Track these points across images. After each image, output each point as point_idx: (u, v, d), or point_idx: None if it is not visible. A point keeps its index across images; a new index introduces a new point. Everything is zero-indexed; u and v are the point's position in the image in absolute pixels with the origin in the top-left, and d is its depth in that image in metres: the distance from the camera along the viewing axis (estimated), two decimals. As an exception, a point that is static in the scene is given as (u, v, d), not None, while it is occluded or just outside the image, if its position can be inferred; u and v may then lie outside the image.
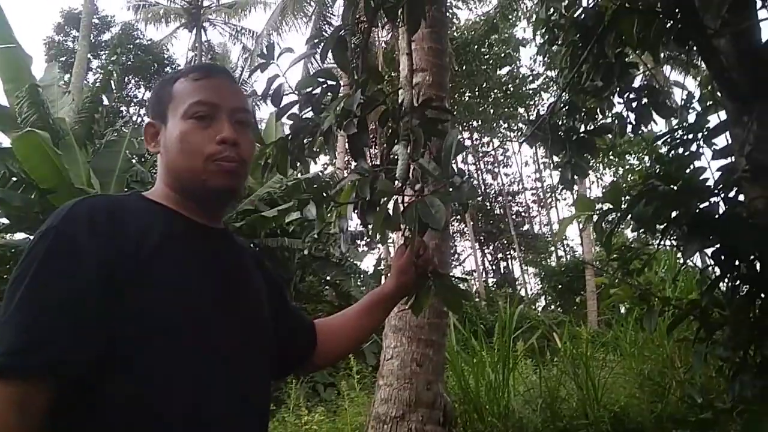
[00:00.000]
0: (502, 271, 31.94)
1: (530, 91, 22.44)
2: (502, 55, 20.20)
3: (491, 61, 20.18)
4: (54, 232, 0.93)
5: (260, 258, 1.27)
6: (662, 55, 2.26)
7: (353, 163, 1.37)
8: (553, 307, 20.50)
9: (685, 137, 2.41)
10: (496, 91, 22.05)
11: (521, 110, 23.56)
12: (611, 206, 1.84)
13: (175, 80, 1.12)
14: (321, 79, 1.48)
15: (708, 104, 2.43)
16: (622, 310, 7.36)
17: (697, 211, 1.68)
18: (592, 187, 19.58)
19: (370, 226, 1.27)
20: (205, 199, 1.10)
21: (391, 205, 1.16)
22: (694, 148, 2.39)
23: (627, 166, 21.43)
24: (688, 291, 5.27)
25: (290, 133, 1.53)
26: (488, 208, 31.78)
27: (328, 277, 10.86)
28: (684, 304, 2.19)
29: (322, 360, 1.35)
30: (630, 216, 1.83)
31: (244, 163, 1.09)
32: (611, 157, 18.60)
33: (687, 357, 4.89)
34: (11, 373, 0.83)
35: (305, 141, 1.54)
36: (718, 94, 2.10)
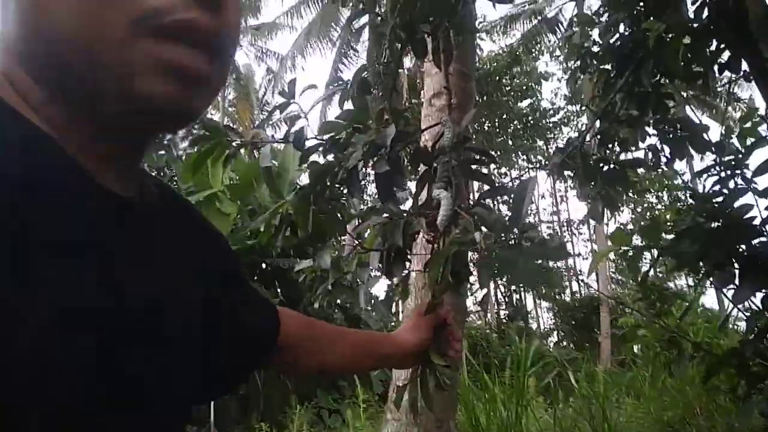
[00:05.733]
0: (514, 304, 31.52)
1: (551, 124, 22.41)
2: (524, 87, 20.20)
3: (512, 93, 20.16)
4: None
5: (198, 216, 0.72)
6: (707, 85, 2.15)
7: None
8: (565, 342, 20.09)
9: (723, 173, 2.28)
10: (515, 122, 22.00)
11: (540, 143, 23.49)
12: (649, 242, 1.71)
13: None
14: (344, 122, 1.34)
15: (750, 141, 2.31)
16: (635, 350, 7.12)
17: (748, 252, 1.54)
18: (609, 224, 19.32)
19: (395, 280, 1.14)
20: (124, 127, 0.49)
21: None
22: (732, 185, 2.26)
23: (645, 204, 21.22)
24: (710, 335, 5.09)
25: (310, 180, 1.37)
26: (503, 238, 31.54)
27: (338, 300, 10.71)
28: (721, 352, 2.04)
29: (291, 364, 0.92)
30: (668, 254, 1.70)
31: (227, 48, 0.50)
32: (630, 194, 18.41)
33: (709, 405, 4.68)
34: None
35: (327, 185, 1.35)
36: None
